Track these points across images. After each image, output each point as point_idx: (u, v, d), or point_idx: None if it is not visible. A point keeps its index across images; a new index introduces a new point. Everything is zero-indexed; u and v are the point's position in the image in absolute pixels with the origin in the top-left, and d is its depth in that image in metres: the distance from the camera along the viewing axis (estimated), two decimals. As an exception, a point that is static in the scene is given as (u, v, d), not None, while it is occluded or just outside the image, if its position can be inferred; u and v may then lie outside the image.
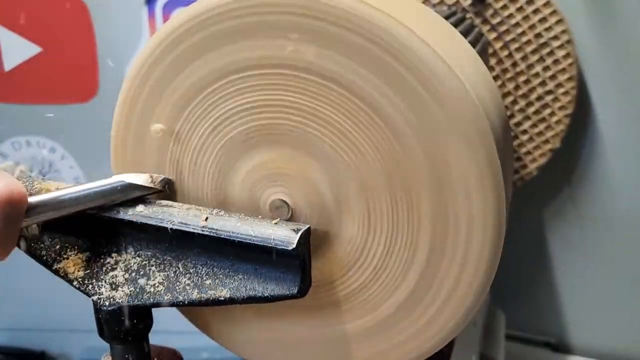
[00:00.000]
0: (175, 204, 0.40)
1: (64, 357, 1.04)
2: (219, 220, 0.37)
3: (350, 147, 0.38)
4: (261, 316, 0.43)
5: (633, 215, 0.92)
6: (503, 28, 0.82)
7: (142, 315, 0.40)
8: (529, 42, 0.81)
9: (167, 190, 0.41)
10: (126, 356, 0.40)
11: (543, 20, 0.80)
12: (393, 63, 0.35)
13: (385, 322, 0.40)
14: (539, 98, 0.83)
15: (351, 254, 0.40)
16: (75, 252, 0.41)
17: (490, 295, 0.89)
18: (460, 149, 0.35)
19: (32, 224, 0.36)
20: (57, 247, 0.41)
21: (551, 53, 0.81)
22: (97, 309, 0.39)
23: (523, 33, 0.81)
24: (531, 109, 0.84)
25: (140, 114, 0.42)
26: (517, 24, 0.81)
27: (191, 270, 0.38)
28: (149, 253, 0.40)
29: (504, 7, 0.80)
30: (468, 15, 0.82)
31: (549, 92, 0.83)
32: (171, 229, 0.38)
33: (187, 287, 0.38)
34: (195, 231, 0.37)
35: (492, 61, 0.83)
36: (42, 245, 0.41)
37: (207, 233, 0.37)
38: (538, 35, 0.81)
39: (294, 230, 0.36)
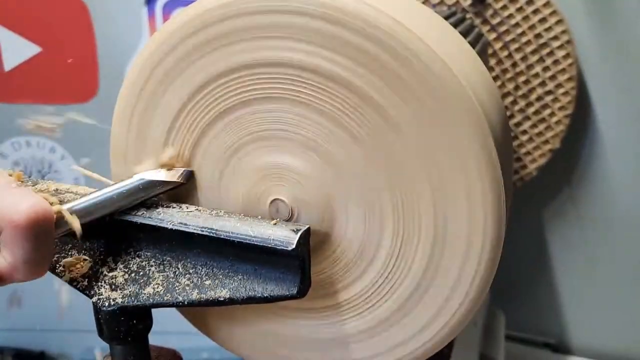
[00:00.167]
0: (174, 204, 0.40)
1: (63, 357, 1.04)
2: (218, 221, 0.37)
3: (350, 146, 0.38)
4: (261, 316, 0.43)
5: (633, 216, 0.92)
6: (503, 28, 0.82)
7: (141, 315, 0.40)
8: (528, 42, 0.81)
9: (187, 183, 0.41)
10: (126, 357, 0.40)
11: (543, 20, 0.80)
12: (392, 63, 0.35)
13: (385, 322, 0.40)
14: (539, 98, 0.83)
15: (351, 254, 0.40)
16: (76, 252, 0.41)
17: (490, 295, 0.89)
18: (459, 149, 0.35)
19: (63, 234, 0.35)
20: (58, 248, 0.41)
21: (551, 53, 0.81)
22: (97, 309, 0.39)
23: (523, 33, 0.81)
24: (531, 110, 0.84)
25: (140, 114, 0.42)
26: (517, 25, 0.81)
27: (191, 271, 0.38)
28: (149, 253, 0.40)
29: (504, 7, 0.80)
30: (468, 16, 0.82)
31: (549, 93, 0.83)
32: (171, 229, 0.38)
33: (187, 288, 0.38)
34: (195, 231, 0.37)
35: (492, 61, 0.83)
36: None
37: (206, 233, 0.37)
38: (538, 36, 0.81)
39: (293, 230, 0.36)
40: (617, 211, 0.93)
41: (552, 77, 0.82)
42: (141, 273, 0.39)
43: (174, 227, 0.37)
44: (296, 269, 0.36)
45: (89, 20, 0.87)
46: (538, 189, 0.94)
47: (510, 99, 0.84)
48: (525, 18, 0.80)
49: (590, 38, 0.86)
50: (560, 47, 0.81)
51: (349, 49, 0.36)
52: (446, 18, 0.48)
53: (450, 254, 0.37)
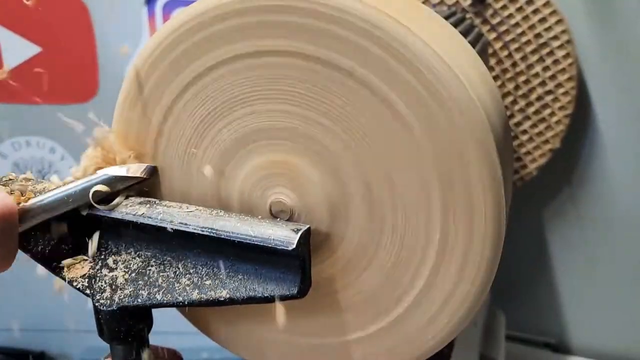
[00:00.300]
0: (175, 204, 0.40)
1: (63, 358, 1.04)
2: (219, 221, 0.37)
3: (350, 147, 0.38)
4: (261, 316, 0.43)
5: (633, 215, 0.92)
6: (503, 28, 0.82)
7: (142, 315, 0.40)
8: (528, 42, 0.81)
9: (150, 178, 0.41)
10: (126, 357, 0.40)
11: (543, 20, 0.80)
12: (392, 63, 0.35)
13: (385, 322, 0.40)
14: (539, 98, 0.83)
15: (352, 254, 0.40)
16: (76, 252, 0.41)
17: (490, 295, 0.89)
18: (459, 149, 0.35)
19: (27, 228, 0.37)
20: (57, 247, 0.41)
21: (551, 53, 0.81)
22: (97, 309, 0.39)
23: (523, 33, 0.81)
24: (531, 109, 0.84)
25: (140, 115, 0.42)
26: (517, 24, 0.81)
27: (191, 271, 0.38)
28: (149, 253, 0.40)
29: (504, 7, 0.80)
30: (468, 16, 0.82)
31: (549, 92, 0.83)
32: (171, 229, 0.38)
33: (187, 288, 0.38)
34: (196, 231, 0.37)
35: (492, 61, 0.83)
36: (42, 246, 0.41)
37: (207, 233, 0.37)
38: (538, 36, 0.81)
39: (293, 230, 0.36)
40: (617, 211, 0.93)
41: (552, 77, 0.82)
42: (141, 273, 0.39)
43: (175, 227, 0.37)
44: (296, 268, 0.36)
45: (89, 20, 0.87)
46: (538, 189, 0.94)
47: (510, 98, 0.84)
48: (525, 18, 0.80)
49: (590, 38, 0.86)
50: (560, 46, 0.81)
51: (351, 49, 0.36)
52: (446, 18, 0.48)
53: (450, 254, 0.37)
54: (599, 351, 1.00)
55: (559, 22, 0.80)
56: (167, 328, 0.55)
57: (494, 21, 0.81)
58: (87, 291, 0.39)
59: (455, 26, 0.44)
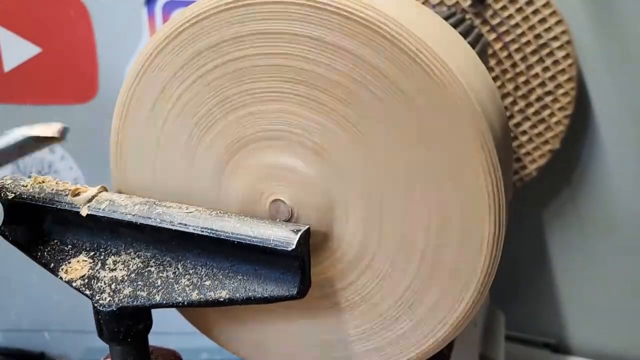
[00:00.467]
0: (174, 204, 0.40)
1: (63, 358, 1.04)
2: (218, 221, 0.37)
3: (351, 147, 0.38)
4: (261, 317, 0.43)
5: (633, 216, 0.92)
6: (503, 29, 0.82)
7: (141, 316, 0.40)
8: (528, 43, 0.81)
9: (65, 139, 0.41)
10: (125, 357, 0.40)
11: (543, 21, 0.80)
12: (391, 64, 0.35)
13: (385, 322, 0.40)
14: (539, 99, 0.83)
15: (351, 255, 0.40)
16: (75, 253, 0.41)
17: (490, 295, 0.89)
18: (459, 149, 0.35)
19: None
20: (57, 248, 0.41)
21: (551, 54, 0.81)
22: (97, 310, 0.39)
23: (523, 34, 0.81)
24: (531, 110, 0.84)
25: (141, 115, 0.42)
26: (517, 25, 0.81)
27: (191, 271, 0.38)
28: (149, 254, 0.40)
29: (504, 8, 0.80)
30: (468, 16, 0.82)
31: (549, 93, 0.83)
32: (171, 229, 0.38)
33: (187, 288, 0.38)
34: (195, 232, 0.37)
35: (492, 62, 0.83)
36: (42, 246, 0.41)
37: (206, 234, 0.37)
38: (538, 36, 0.81)
39: (293, 231, 0.36)
40: (617, 211, 0.93)
41: (552, 78, 0.82)
42: (141, 273, 0.39)
43: (174, 228, 0.38)
44: (296, 269, 0.36)
45: (89, 20, 0.87)
46: (538, 190, 0.94)
47: (510, 99, 0.84)
48: (525, 18, 0.80)
49: (590, 38, 0.86)
50: (560, 47, 0.81)
51: (347, 53, 0.36)
52: (446, 19, 0.48)
53: (450, 254, 0.37)
54: (599, 351, 1.00)
55: (558, 22, 0.80)
56: (167, 328, 0.55)
57: (494, 22, 0.81)
58: (87, 292, 0.39)
59: (455, 27, 0.44)
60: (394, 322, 0.40)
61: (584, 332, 1.01)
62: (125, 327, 0.39)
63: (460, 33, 0.43)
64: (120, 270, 0.40)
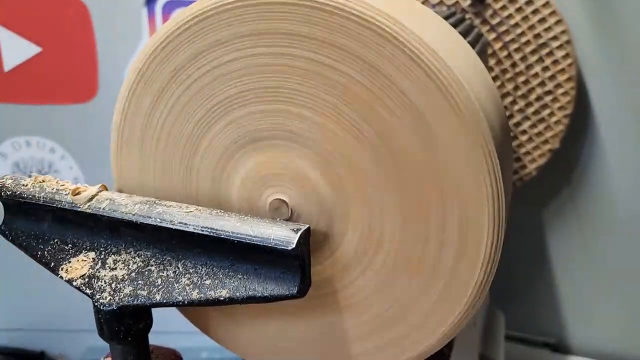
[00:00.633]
0: (174, 203, 0.40)
1: (63, 358, 1.04)
2: (218, 220, 0.37)
3: (351, 147, 0.38)
4: (261, 316, 0.44)
5: (633, 215, 0.92)
6: (502, 29, 0.82)
7: (141, 315, 0.40)
8: (528, 42, 0.81)
9: None
10: (126, 356, 0.40)
11: (542, 20, 0.80)
12: (391, 64, 0.35)
13: (385, 322, 0.40)
14: (538, 98, 0.83)
15: (352, 254, 0.40)
16: (76, 252, 0.41)
17: (490, 295, 0.89)
18: (459, 149, 0.35)
19: None
20: (58, 247, 0.41)
21: (550, 53, 0.81)
22: (97, 309, 0.39)
23: (522, 34, 0.81)
24: (530, 110, 0.84)
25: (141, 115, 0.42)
26: (517, 25, 0.81)
27: (191, 270, 0.39)
28: (149, 253, 0.40)
29: (504, 7, 0.81)
30: (467, 16, 0.82)
31: (548, 93, 0.83)
32: (171, 229, 0.38)
33: (187, 287, 0.38)
34: (195, 231, 0.37)
35: (492, 62, 0.83)
36: (42, 246, 0.41)
37: (207, 233, 0.37)
38: (537, 36, 0.81)
39: (293, 230, 0.36)
40: (616, 211, 0.93)
41: (552, 77, 0.82)
42: (141, 273, 0.39)
43: (174, 227, 0.38)
44: (296, 268, 0.36)
45: (89, 20, 0.87)
46: (538, 189, 0.94)
47: (509, 99, 0.84)
48: (525, 18, 0.80)
49: (590, 38, 0.86)
50: (560, 47, 0.81)
51: (344, 53, 0.36)
52: (446, 18, 0.48)
53: (450, 254, 0.37)
54: (599, 351, 1.00)
55: (558, 22, 0.80)
56: (167, 328, 0.55)
57: (494, 21, 0.81)
58: (87, 291, 0.39)
59: (454, 26, 0.44)
60: (394, 322, 0.40)
61: (584, 332, 1.01)
62: (126, 326, 0.39)
63: (460, 33, 0.43)
64: (121, 269, 0.40)
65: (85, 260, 0.40)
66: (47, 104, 0.92)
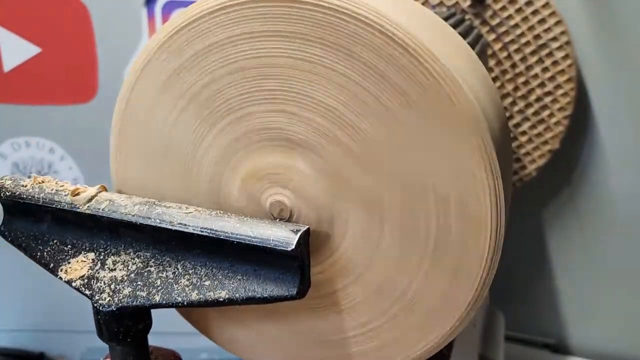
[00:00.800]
0: (174, 204, 0.40)
1: (63, 358, 1.04)
2: (218, 221, 0.37)
3: (351, 147, 0.38)
4: (260, 317, 0.44)
5: (632, 216, 0.92)
6: (502, 29, 0.82)
7: (141, 316, 0.40)
8: (528, 43, 0.81)
9: None
10: (125, 357, 0.40)
11: (542, 21, 0.80)
12: (390, 66, 0.35)
13: (384, 322, 0.40)
14: (538, 99, 0.83)
15: (352, 255, 0.40)
16: (75, 253, 0.41)
17: (489, 295, 0.89)
18: (458, 150, 0.35)
19: None
20: (57, 248, 0.41)
21: (550, 54, 0.81)
22: (97, 310, 0.39)
23: (522, 34, 0.81)
24: (530, 111, 0.84)
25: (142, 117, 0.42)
26: (516, 26, 0.81)
27: (190, 271, 0.39)
28: (148, 254, 0.40)
29: (503, 8, 0.81)
30: (467, 17, 0.82)
31: (548, 94, 0.83)
32: (171, 229, 0.38)
33: (187, 288, 0.38)
34: (195, 232, 0.37)
35: (491, 62, 0.83)
36: (41, 246, 0.41)
37: (206, 234, 0.37)
38: (537, 37, 0.81)
39: (293, 231, 0.36)
40: (617, 211, 0.93)
41: (552, 78, 0.82)
42: (140, 273, 0.39)
43: (174, 228, 0.38)
44: (296, 269, 0.36)
45: (89, 20, 0.87)
46: (538, 190, 0.94)
47: (509, 100, 0.84)
48: (525, 19, 0.80)
49: (590, 39, 0.86)
50: (560, 48, 0.81)
51: (343, 53, 0.36)
52: (445, 19, 0.48)
53: (449, 255, 0.37)
54: (598, 352, 1.00)
55: (558, 23, 0.80)
56: (167, 328, 0.55)
57: (494, 22, 0.81)
58: (86, 292, 0.39)
59: (454, 27, 0.44)
60: (393, 323, 0.40)
61: (584, 332, 1.01)
62: (125, 327, 0.39)
63: (460, 33, 0.43)
64: (120, 270, 0.40)
65: (84, 261, 0.40)
66: (46, 105, 0.92)
